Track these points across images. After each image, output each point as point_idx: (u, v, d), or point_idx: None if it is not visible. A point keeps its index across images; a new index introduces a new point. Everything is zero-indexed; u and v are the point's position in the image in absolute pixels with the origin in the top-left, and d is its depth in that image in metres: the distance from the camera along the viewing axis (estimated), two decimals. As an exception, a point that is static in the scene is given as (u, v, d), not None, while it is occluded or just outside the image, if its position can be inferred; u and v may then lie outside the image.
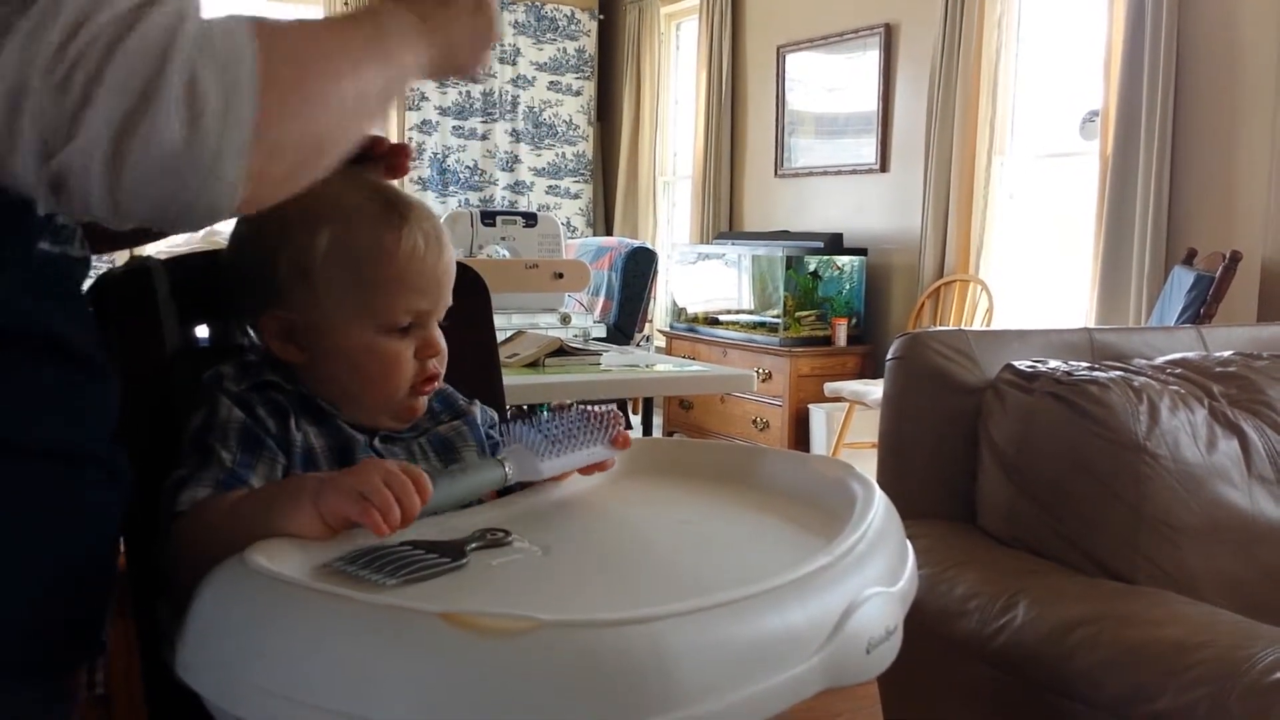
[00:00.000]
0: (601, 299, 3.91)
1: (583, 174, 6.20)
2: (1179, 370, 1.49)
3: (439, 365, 0.87)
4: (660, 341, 5.21)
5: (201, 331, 0.93)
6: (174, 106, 0.52)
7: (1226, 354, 1.59)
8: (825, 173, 4.85)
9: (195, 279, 0.91)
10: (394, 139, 0.92)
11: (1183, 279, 2.85)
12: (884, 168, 4.54)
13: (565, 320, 2.60)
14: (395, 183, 0.90)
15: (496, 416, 0.96)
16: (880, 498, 0.80)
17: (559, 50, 6.06)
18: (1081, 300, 3.67)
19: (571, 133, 6.14)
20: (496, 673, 0.55)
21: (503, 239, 2.85)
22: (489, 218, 2.87)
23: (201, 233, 4.09)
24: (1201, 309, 2.68)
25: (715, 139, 5.37)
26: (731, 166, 5.41)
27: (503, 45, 5.89)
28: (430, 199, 5.75)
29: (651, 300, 4.07)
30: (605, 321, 3.67)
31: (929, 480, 1.53)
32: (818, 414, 4.33)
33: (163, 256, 0.92)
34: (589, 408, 0.88)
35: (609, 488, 0.90)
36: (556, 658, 0.55)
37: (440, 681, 0.55)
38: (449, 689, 0.55)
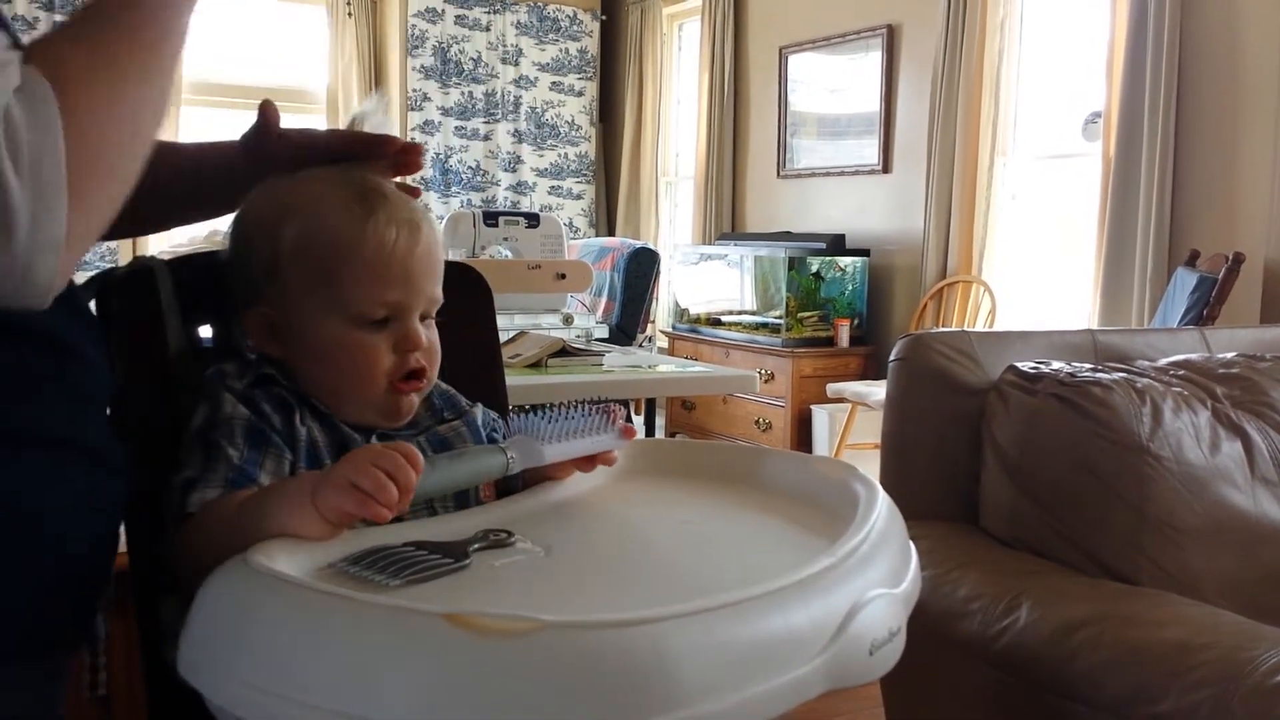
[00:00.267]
0: (604, 299, 3.91)
1: (585, 174, 6.20)
2: (1182, 372, 1.49)
3: (423, 361, 0.84)
4: (662, 342, 5.21)
5: (205, 332, 0.93)
6: None
7: (1229, 355, 1.59)
8: (828, 173, 4.85)
9: (198, 279, 0.91)
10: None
11: (1185, 280, 2.85)
12: (886, 168, 4.54)
13: (568, 321, 2.60)
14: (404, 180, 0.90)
15: (499, 419, 0.96)
16: (883, 499, 0.80)
17: (561, 51, 6.06)
18: (1084, 301, 3.67)
19: (574, 133, 6.14)
20: (499, 673, 0.55)
21: (505, 239, 2.85)
22: (491, 218, 2.88)
23: (205, 232, 4.10)
24: (1204, 310, 2.67)
25: (717, 140, 5.37)
26: (734, 167, 5.40)
27: (505, 46, 5.90)
28: (432, 199, 5.75)
29: (654, 301, 4.07)
30: (607, 322, 3.67)
31: (931, 481, 1.53)
32: (820, 415, 4.32)
33: (166, 256, 0.92)
34: (591, 404, 0.87)
35: (611, 488, 0.90)
36: (559, 658, 0.55)
37: (443, 682, 0.55)
38: (451, 689, 0.55)
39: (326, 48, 5.65)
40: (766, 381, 4.38)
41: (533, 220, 2.92)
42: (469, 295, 1.02)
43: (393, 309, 0.83)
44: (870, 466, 1.11)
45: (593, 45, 6.13)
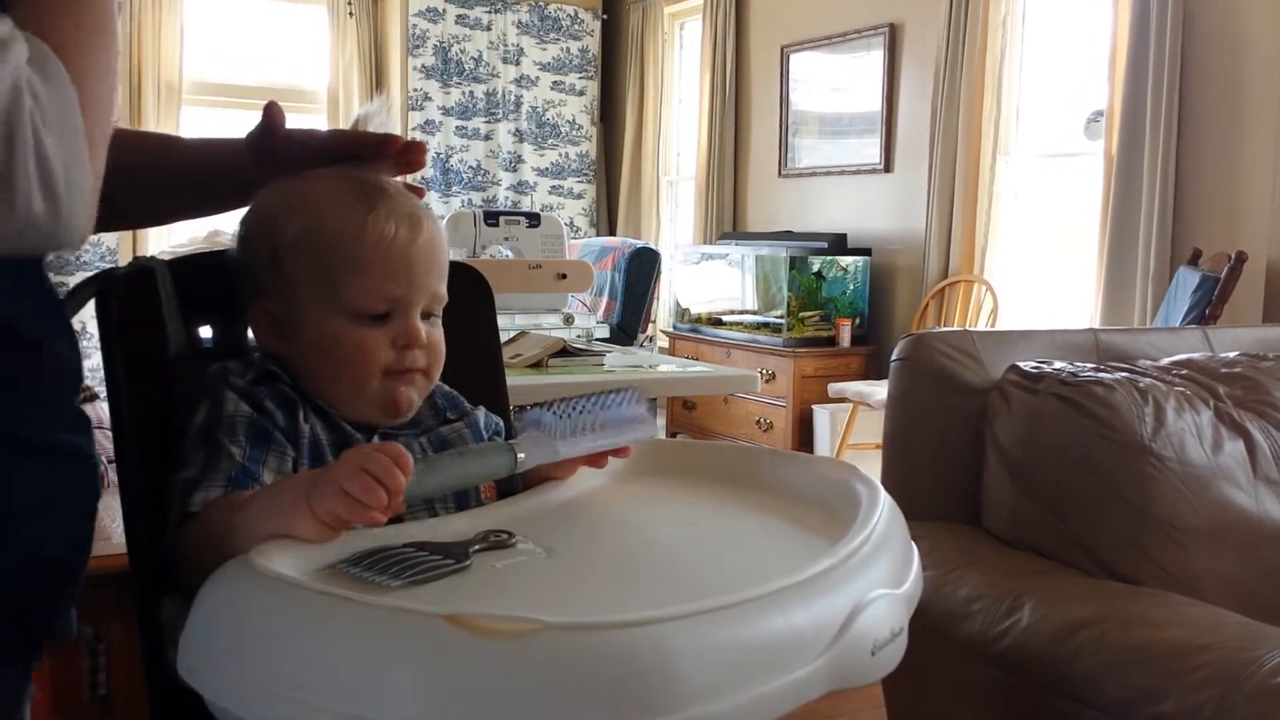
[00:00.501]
0: (605, 299, 3.90)
1: (586, 174, 6.20)
2: (1184, 371, 1.49)
3: (423, 359, 0.84)
4: (663, 342, 5.21)
5: (206, 333, 0.93)
6: (33, 188, 0.58)
7: (1232, 355, 1.59)
8: (829, 173, 4.85)
9: (199, 279, 0.91)
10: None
11: (1188, 280, 2.85)
12: (888, 168, 4.54)
13: (568, 321, 2.60)
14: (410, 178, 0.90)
15: (502, 423, 0.95)
16: (885, 499, 0.80)
17: (562, 50, 6.06)
18: (1086, 301, 3.66)
19: (575, 133, 6.13)
20: (500, 674, 0.55)
21: (506, 239, 2.85)
22: (492, 218, 2.87)
23: (205, 233, 4.11)
24: (1207, 310, 2.67)
25: (719, 139, 5.36)
26: (735, 166, 5.40)
27: (506, 45, 5.90)
28: (433, 199, 5.75)
29: (655, 301, 4.07)
30: (608, 322, 3.67)
31: (933, 481, 1.53)
32: (821, 415, 4.32)
33: (166, 257, 0.92)
34: (610, 398, 0.84)
35: (612, 489, 0.90)
36: (560, 659, 0.55)
37: (444, 683, 0.55)
38: (453, 690, 0.55)
39: (327, 47, 5.65)
40: (768, 381, 4.38)
41: (533, 220, 2.92)
42: (470, 295, 1.02)
43: (393, 304, 0.82)
44: (872, 467, 1.11)
45: (594, 44, 6.13)
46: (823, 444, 4.28)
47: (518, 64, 5.94)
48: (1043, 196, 4.08)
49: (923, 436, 1.54)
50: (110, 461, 1.02)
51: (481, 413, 0.92)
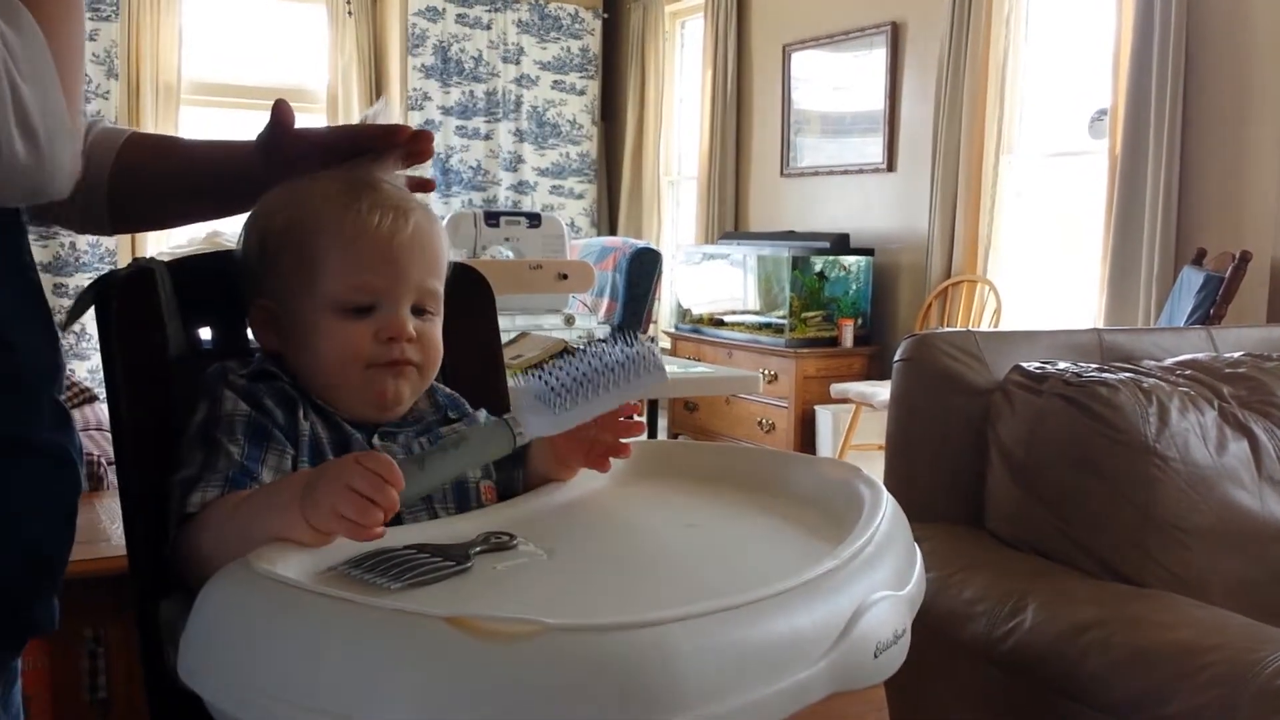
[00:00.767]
0: (606, 300, 3.90)
1: (587, 174, 6.20)
2: (1188, 371, 1.49)
3: (412, 353, 0.83)
4: (665, 342, 5.21)
5: (205, 334, 0.93)
6: (14, 133, 0.58)
7: (1236, 355, 1.59)
8: (831, 172, 4.84)
9: (199, 280, 0.91)
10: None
11: (1192, 279, 2.84)
12: (891, 167, 4.53)
13: (569, 321, 2.60)
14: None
15: None
16: (888, 500, 0.80)
17: (563, 49, 6.05)
18: (1090, 301, 3.66)
19: (575, 132, 6.13)
20: (501, 677, 0.54)
21: (506, 240, 2.85)
22: (493, 218, 2.87)
23: (205, 233, 4.11)
24: (1211, 309, 2.66)
25: (720, 138, 5.36)
26: (737, 166, 5.40)
27: (506, 44, 5.90)
28: (433, 200, 5.74)
29: (656, 301, 4.06)
30: (609, 322, 3.67)
31: (936, 482, 1.52)
32: (824, 415, 4.32)
33: (166, 258, 0.92)
34: (606, 346, 0.77)
35: (613, 490, 0.89)
36: (561, 661, 0.55)
37: (445, 685, 0.55)
38: (454, 693, 0.54)
39: (326, 47, 5.65)
40: (770, 382, 4.38)
41: (534, 220, 2.91)
42: (471, 296, 1.02)
43: (375, 294, 0.82)
44: (875, 467, 1.10)
45: (594, 44, 6.13)
46: (825, 445, 4.28)
47: (518, 63, 5.93)
48: (1046, 196, 4.07)
49: (926, 437, 1.53)
50: (109, 463, 1.02)
51: (483, 414, 0.92)
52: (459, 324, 0.90)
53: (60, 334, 0.78)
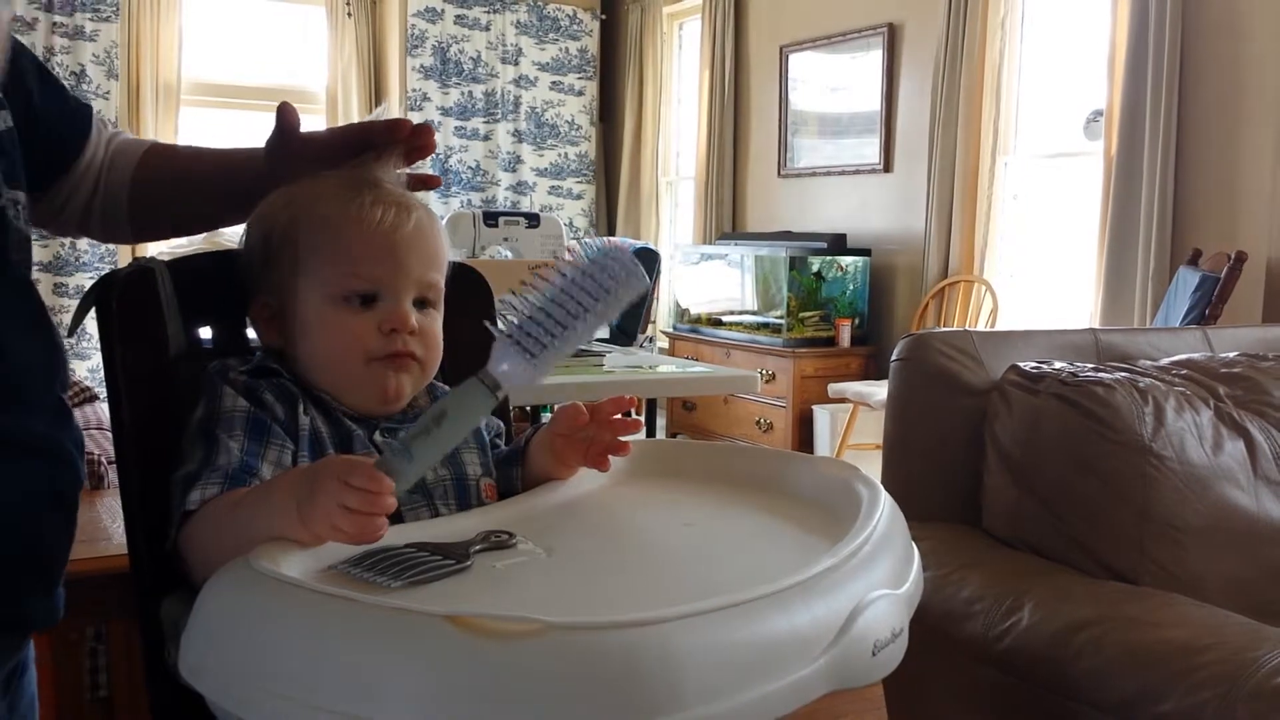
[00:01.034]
0: (605, 300, 3.89)
1: (585, 174, 6.20)
2: (1184, 371, 1.49)
3: (414, 345, 0.83)
4: (663, 342, 5.21)
5: (206, 334, 0.93)
6: None
7: (1232, 355, 1.59)
8: (828, 173, 4.85)
9: (199, 280, 0.91)
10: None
11: (1188, 279, 2.85)
12: (887, 168, 4.54)
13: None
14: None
15: (503, 426, 0.95)
16: (886, 499, 0.80)
17: (561, 50, 6.06)
18: (1086, 301, 3.66)
19: (574, 133, 6.13)
20: (502, 675, 0.55)
21: (505, 240, 2.85)
22: (491, 219, 2.88)
23: (202, 235, 4.10)
24: (1207, 310, 2.67)
25: (718, 139, 5.36)
26: (734, 167, 5.40)
27: (505, 45, 5.90)
28: (432, 200, 5.72)
29: (654, 301, 4.07)
30: (610, 323, 3.66)
31: (933, 482, 1.53)
32: (821, 415, 4.32)
33: (166, 257, 0.92)
34: (569, 263, 0.69)
35: (612, 490, 0.90)
36: (561, 660, 0.55)
37: (445, 684, 0.55)
38: (454, 691, 0.55)
39: (326, 48, 5.65)
40: (768, 382, 4.38)
41: (533, 220, 2.92)
42: (470, 296, 1.02)
43: (376, 285, 0.82)
44: (872, 467, 1.11)
45: (593, 45, 6.13)
46: (823, 444, 4.28)
47: (516, 64, 5.94)
48: (1042, 196, 4.08)
49: (923, 437, 1.54)
50: (110, 462, 1.02)
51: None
52: (458, 323, 0.90)
53: (57, 331, 0.79)
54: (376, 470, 0.66)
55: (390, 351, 0.82)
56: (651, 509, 0.87)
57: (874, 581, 0.70)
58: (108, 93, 5.03)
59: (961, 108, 4.03)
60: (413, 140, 0.88)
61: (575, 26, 6.08)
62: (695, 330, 5.07)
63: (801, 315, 4.54)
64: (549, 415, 0.86)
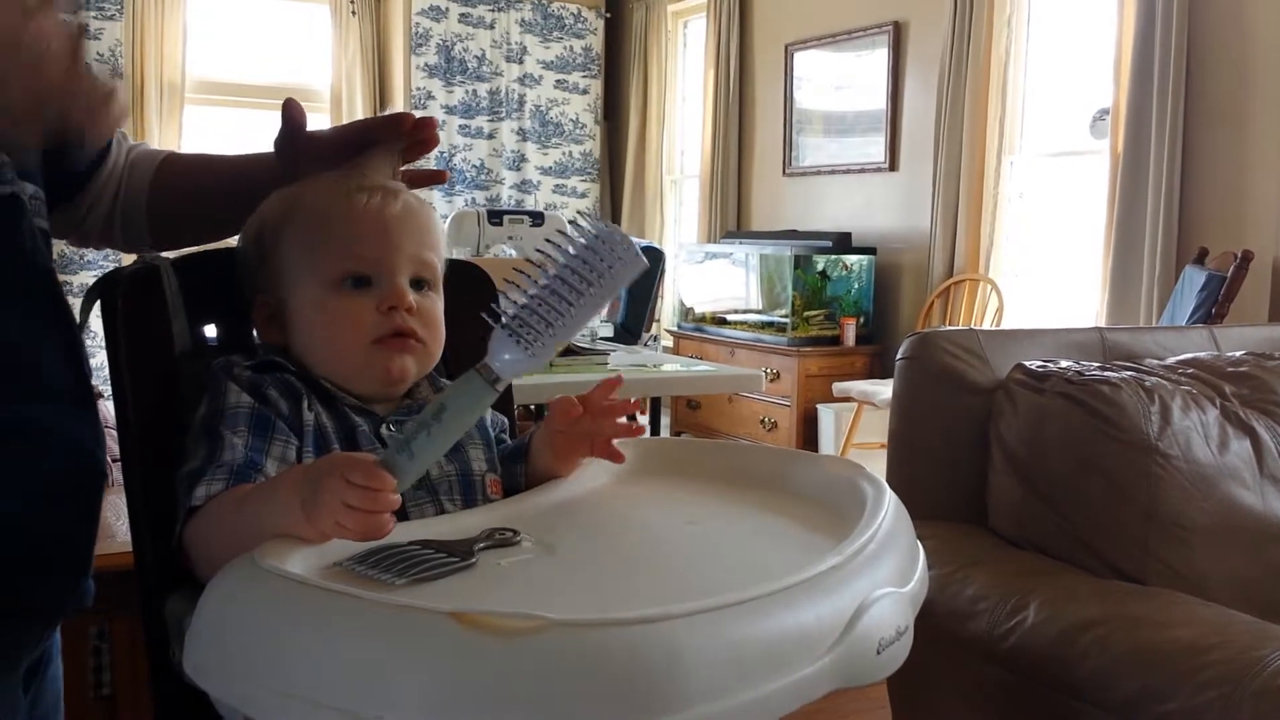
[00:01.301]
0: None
1: (590, 173, 6.20)
2: (1191, 370, 1.49)
3: (412, 322, 0.83)
4: (668, 341, 5.21)
5: (210, 332, 0.93)
6: None
7: (1238, 354, 1.59)
8: (834, 171, 4.84)
9: (204, 277, 0.91)
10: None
11: (1194, 278, 2.84)
12: (893, 166, 4.53)
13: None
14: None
15: (506, 421, 0.95)
16: (891, 498, 0.80)
17: (566, 49, 6.06)
18: (1092, 300, 3.66)
19: (578, 131, 6.13)
20: (506, 672, 0.55)
21: (510, 238, 2.85)
22: (496, 217, 2.88)
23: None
24: (1213, 309, 2.66)
25: (723, 137, 5.36)
26: (739, 165, 5.40)
27: (509, 43, 5.90)
28: (437, 199, 5.75)
29: (659, 300, 4.06)
30: (612, 321, 3.67)
31: (939, 481, 1.52)
32: (826, 414, 4.32)
33: (171, 255, 0.92)
34: (561, 244, 0.68)
35: (616, 488, 0.90)
36: (566, 657, 0.55)
37: (449, 680, 0.55)
38: (458, 688, 0.55)
39: (330, 46, 5.65)
40: (772, 381, 4.38)
41: (537, 219, 2.92)
42: (474, 293, 1.02)
43: (369, 265, 0.83)
44: (877, 466, 1.10)
45: (597, 43, 6.13)
46: (827, 443, 4.28)
47: (521, 63, 5.94)
48: (1048, 195, 4.07)
49: (928, 436, 1.54)
50: (114, 460, 1.02)
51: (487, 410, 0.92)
52: (462, 321, 0.90)
53: (75, 322, 0.80)
54: (378, 468, 0.67)
55: (391, 329, 0.82)
56: (656, 507, 0.87)
57: (879, 580, 0.69)
58: (113, 91, 5.04)
59: (967, 106, 4.03)
60: (415, 134, 0.88)
61: (580, 25, 6.08)
62: (700, 329, 5.07)
63: (806, 314, 4.54)
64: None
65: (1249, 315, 2.97)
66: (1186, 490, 1.32)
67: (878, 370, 4.45)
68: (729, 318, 4.97)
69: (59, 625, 0.86)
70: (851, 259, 4.57)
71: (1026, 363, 1.44)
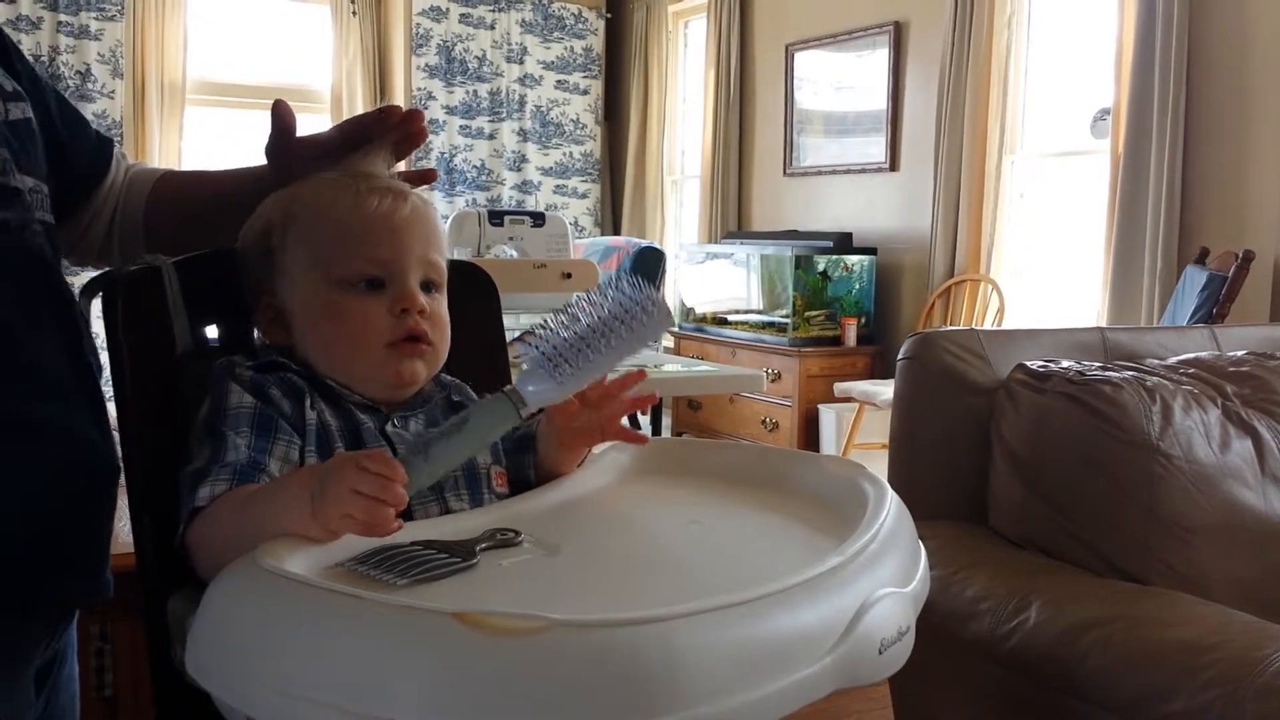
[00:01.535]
0: (610, 298, 3.89)
1: (590, 173, 6.20)
2: (1192, 370, 1.49)
3: (423, 325, 0.83)
4: (668, 341, 5.21)
5: (212, 332, 0.93)
6: None
7: (1239, 354, 1.59)
8: (834, 172, 4.84)
9: (206, 278, 0.91)
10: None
11: (1195, 278, 2.84)
12: (894, 167, 4.53)
13: (574, 320, 2.60)
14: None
15: None
16: (892, 498, 0.80)
17: (566, 49, 6.06)
18: (1093, 299, 3.66)
19: (579, 132, 6.13)
20: (508, 672, 0.55)
21: (510, 239, 2.85)
22: (496, 218, 2.87)
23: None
24: (1214, 308, 2.66)
25: (724, 138, 5.36)
26: (740, 165, 5.40)
27: (510, 44, 5.90)
28: (437, 199, 5.75)
29: (660, 300, 4.06)
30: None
31: (940, 481, 1.52)
32: (827, 414, 4.32)
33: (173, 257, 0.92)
34: (604, 296, 0.73)
35: (618, 488, 0.90)
36: (567, 657, 0.55)
37: (451, 681, 0.55)
38: (460, 688, 0.55)
39: (330, 46, 5.66)
40: (773, 381, 4.38)
41: (538, 219, 2.91)
42: (476, 295, 1.02)
43: (382, 267, 0.83)
44: (878, 466, 1.10)
45: (598, 43, 6.13)
46: (829, 443, 4.28)
47: (521, 63, 5.94)
48: (1049, 195, 4.07)
49: (929, 436, 1.54)
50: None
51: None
52: (464, 322, 0.90)
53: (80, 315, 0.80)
54: (392, 458, 0.67)
55: (404, 332, 0.83)
56: (657, 507, 0.87)
57: (880, 580, 0.69)
58: (113, 92, 5.04)
59: (968, 106, 4.02)
60: (403, 126, 0.88)
61: (580, 25, 6.08)
62: (701, 329, 5.07)
63: (807, 314, 4.54)
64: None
65: (1250, 315, 2.97)
66: (1188, 490, 1.32)
67: (879, 370, 4.45)
68: (730, 318, 4.96)
69: (73, 623, 0.86)
70: (852, 259, 4.57)
71: (1028, 363, 1.44)
